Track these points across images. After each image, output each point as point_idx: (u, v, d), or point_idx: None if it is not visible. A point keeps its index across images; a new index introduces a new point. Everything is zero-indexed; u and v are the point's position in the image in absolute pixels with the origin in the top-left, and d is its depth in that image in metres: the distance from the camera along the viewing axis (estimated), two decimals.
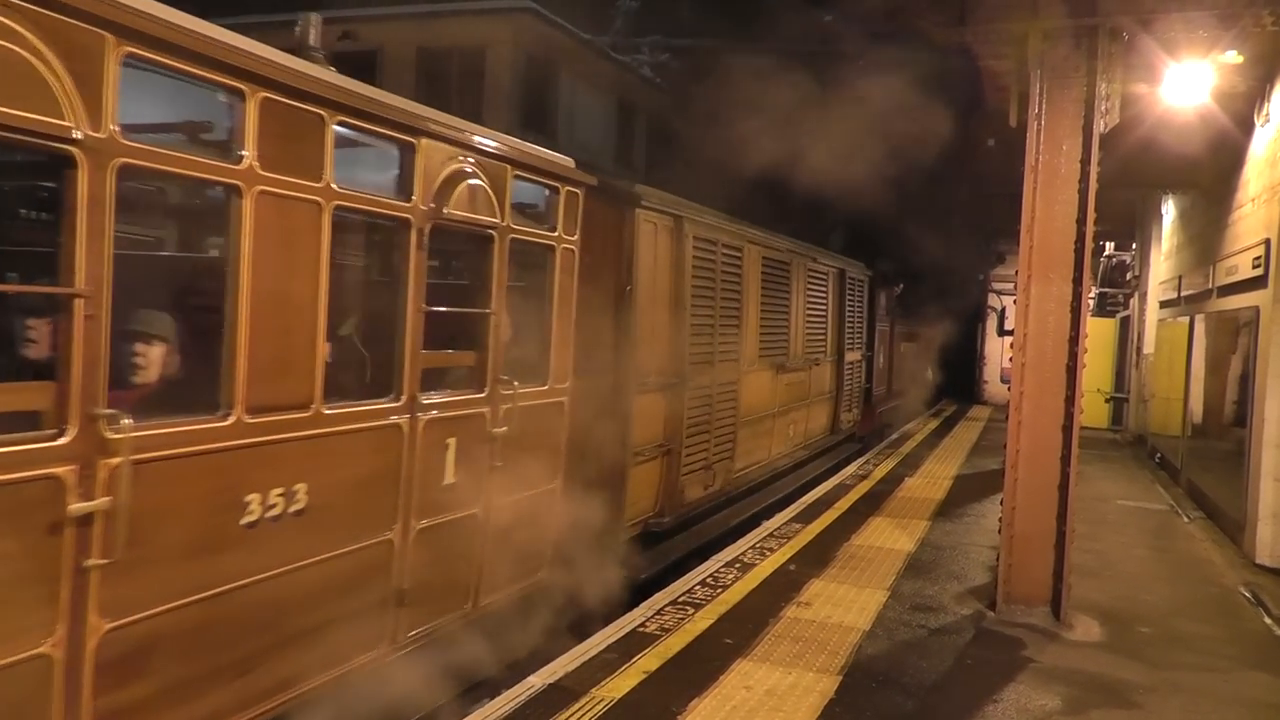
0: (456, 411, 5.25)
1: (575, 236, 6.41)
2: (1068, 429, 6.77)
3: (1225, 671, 6.02)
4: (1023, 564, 6.87)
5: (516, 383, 5.68)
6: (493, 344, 5.54)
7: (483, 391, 5.50)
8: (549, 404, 6.20)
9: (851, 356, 15.96)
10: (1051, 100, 6.84)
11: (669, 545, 8.57)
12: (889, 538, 9.19)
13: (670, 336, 8.42)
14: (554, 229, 6.23)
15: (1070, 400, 6.76)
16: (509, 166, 5.64)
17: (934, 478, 13.08)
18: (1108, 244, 23.55)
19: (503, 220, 5.58)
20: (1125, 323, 21.31)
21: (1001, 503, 6.99)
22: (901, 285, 20.97)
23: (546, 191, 6.25)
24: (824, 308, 14.12)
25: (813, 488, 11.95)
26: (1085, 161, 6.74)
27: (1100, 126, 6.78)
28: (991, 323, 27.70)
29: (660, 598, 6.90)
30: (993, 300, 27.74)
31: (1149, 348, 17.82)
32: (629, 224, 7.57)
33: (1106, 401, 20.92)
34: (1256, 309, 9.40)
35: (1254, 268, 9.61)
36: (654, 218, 8.00)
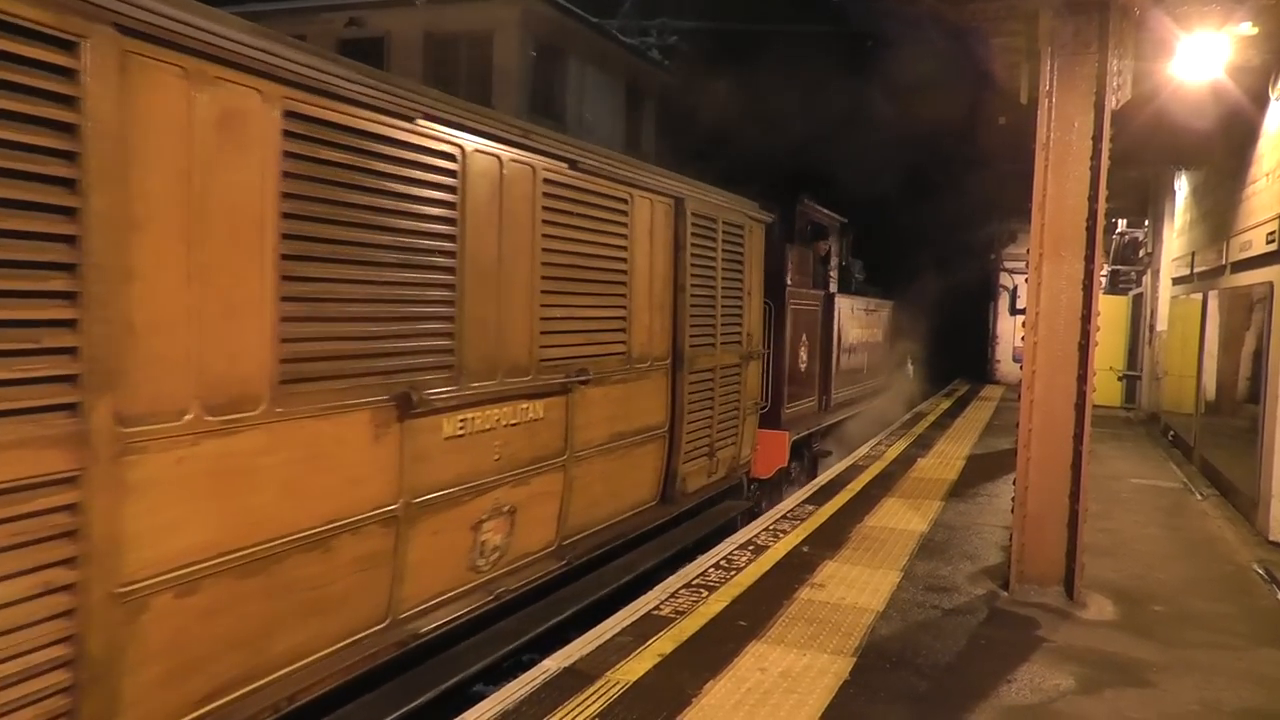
0: None
1: None
2: (1080, 407, 6.74)
3: (1239, 649, 6.02)
4: (1036, 543, 6.87)
5: None
6: None
7: None
8: None
9: (718, 359, 8.98)
10: (1062, 77, 6.78)
11: None
12: (902, 518, 9.20)
13: None
14: None
15: (1082, 379, 6.74)
16: None
17: (947, 458, 13.07)
18: (1120, 221, 23.40)
19: None
20: (1138, 300, 21.20)
21: (1014, 482, 6.99)
22: (830, 241, 13.90)
23: None
24: (621, 270, 7.19)
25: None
26: (1097, 138, 6.68)
27: (1112, 103, 6.71)
28: (1003, 302, 27.62)
29: (674, 581, 6.94)
30: (1004, 279, 27.63)
31: (1162, 325, 17.73)
32: None
33: (1119, 379, 20.83)
34: (1270, 284, 9.34)
35: (1268, 243, 9.55)
36: None
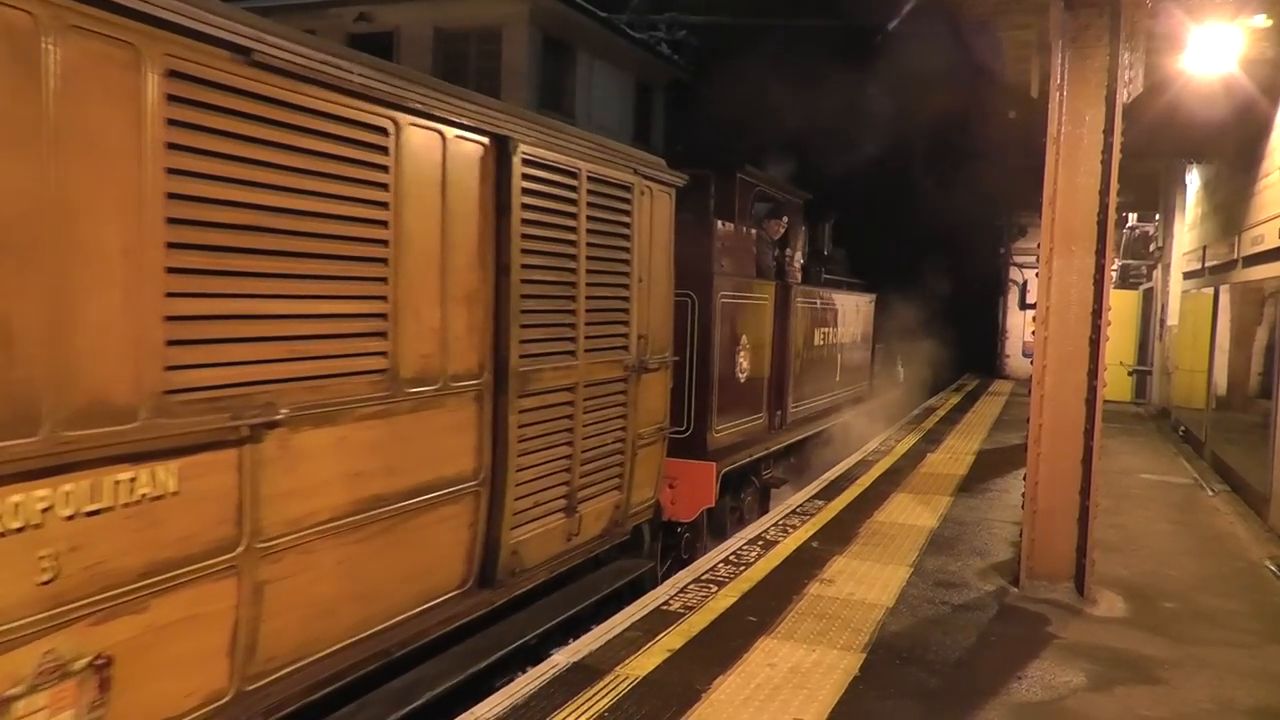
0: None
1: None
2: (1090, 403, 6.71)
3: (1251, 646, 5.99)
4: (1046, 539, 6.84)
5: None
6: None
7: None
8: None
9: (582, 374, 6.28)
10: (1073, 70, 6.73)
11: None
12: (911, 514, 9.17)
13: None
14: None
15: (1093, 374, 6.71)
16: None
17: (956, 453, 13.03)
18: (1130, 215, 23.30)
19: None
20: (1148, 295, 21.10)
21: (1024, 478, 6.97)
22: (789, 221, 11.30)
23: None
24: (375, 240, 4.49)
25: None
26: (1108, 132, 6.64)
27: (1123, 96, 6.67)
28: (1013, 296, 27.55)
29: (683, 576, 6.94)
30: (1014, 274, 27.56)
31: (1173, 319, 17.65)
32: None
33: (1130, 374, 20.75)
34: None
35: None
36: None
